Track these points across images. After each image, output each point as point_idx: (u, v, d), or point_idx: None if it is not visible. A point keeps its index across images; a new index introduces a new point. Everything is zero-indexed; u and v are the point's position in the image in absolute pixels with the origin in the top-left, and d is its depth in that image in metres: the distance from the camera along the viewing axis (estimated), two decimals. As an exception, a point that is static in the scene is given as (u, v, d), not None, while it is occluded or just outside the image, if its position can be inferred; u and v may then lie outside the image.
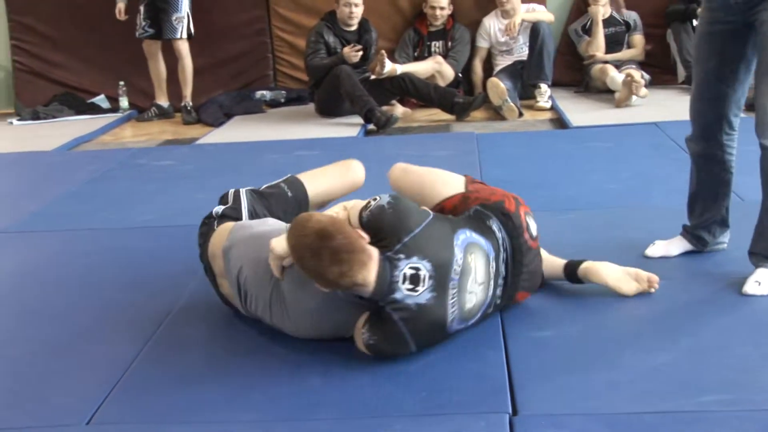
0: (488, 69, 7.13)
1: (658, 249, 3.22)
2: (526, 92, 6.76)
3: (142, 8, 6.79)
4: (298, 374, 2.47)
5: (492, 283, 2.64)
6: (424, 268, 2.45)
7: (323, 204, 3.19)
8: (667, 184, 4.19)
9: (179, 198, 4.47)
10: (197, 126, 6.83)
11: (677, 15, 6.87)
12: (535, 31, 6.65)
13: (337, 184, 3.26)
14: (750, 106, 2.99)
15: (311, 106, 6.94)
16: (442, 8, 6.98)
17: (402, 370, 2.48)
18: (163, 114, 7.12)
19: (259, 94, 7.39)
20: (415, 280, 2.44)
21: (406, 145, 5.63)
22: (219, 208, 2.96)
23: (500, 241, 2.68)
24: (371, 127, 6.19)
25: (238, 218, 2.93)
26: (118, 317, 2.98)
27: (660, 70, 7.06)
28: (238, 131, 6.45)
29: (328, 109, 6.64)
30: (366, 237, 2.44)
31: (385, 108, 6.39)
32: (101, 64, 7.46)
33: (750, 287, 2.84)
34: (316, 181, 3.21)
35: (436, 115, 6.60)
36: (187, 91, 6.93)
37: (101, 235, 3.96)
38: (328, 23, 6.65)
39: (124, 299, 3.13)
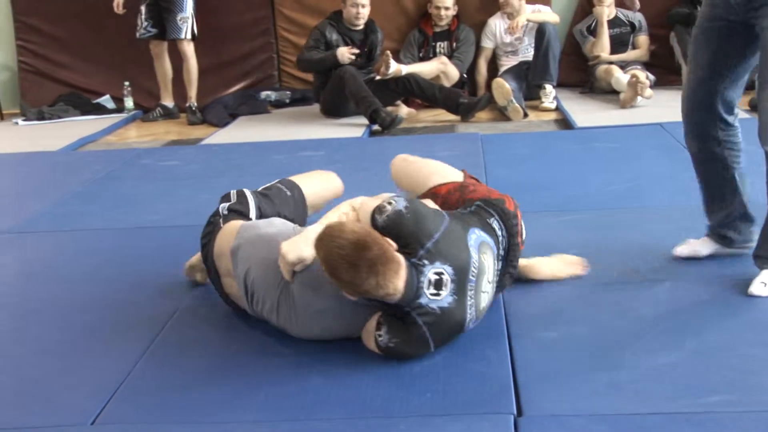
0: (493, 69, 7.13)
1: (686, 248, 3.18)
2: (531, 93, 6.75)
3: (143, 8, 6.76)
4: (302, 374, 2.47)
5: (496, 280, 2.67)
6: (446, 273, 2.47)
7: (313, 207, 3.22)
8: (672, 184, 4.18)
9: (184, 198, 4.48)
10: (202, 126, 6.83)
11: (680, 18, 6.86)
12: (540, 31, 6.64)
13: (325, 190, 3.29)
14: (755, 107, 2.99)
15: (316, 107, 6.94)
16: (447, 9, 6.98)
17: (406, 371, 2.48)
18: (168, 114, 7.12)
19: (264, 94, 7.39)
20: (438, 284, 2.46)
21: (410, 145, 5.61)
22: (225, 206, 2.95)
23: (499, 240, 2.69)
24: (376, 127, 6.19)
25: (246, 215, 2.93)
26: (122, 317, 2.98)
27: (665, 71, 7.05)
28: (243, 132, 6.45)
29: (333, 110, 6.64)
30: (394, 245, 2.44)
31: (390, 108, 6.39)
32: (106, 65, 7.47)
33: (756, 288, 2.84)
34: (308, 185, 3.22)
35: (441, 115, 6.60)
36: (192, 91, 6.94)
37: (106, 235, 3.97)
38: (332, 22, 6.66)
39: (129, 299, 3.13)
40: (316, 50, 6.56)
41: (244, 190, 3.05)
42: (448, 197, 2.92)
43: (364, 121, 6.27)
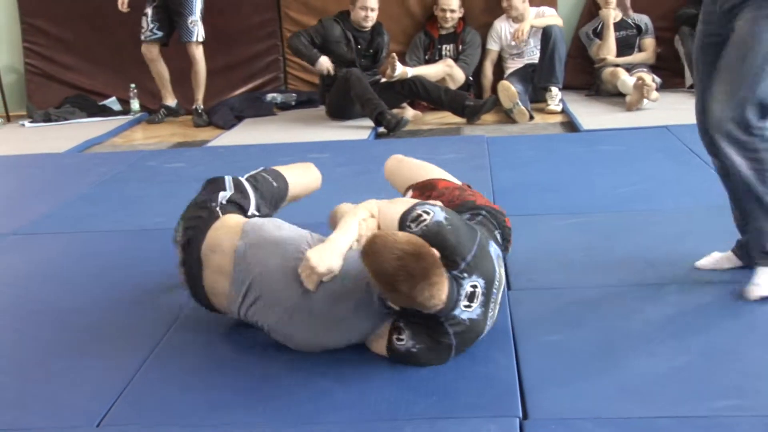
0: (499, 72, 7.13)
1: (709, 261, 3.13)
2: (536, 95, 6.74)
3: (150, 10, 6.74)
4: (309, 377, 2.47)
5: None
6: (479, 285, 2.49)
7: (293, 198, 3.21)
8: (678, 187, 4.17)
9: (189, 200, 4.46)
10: (208, 128, 6.84)
11: (688, 19, 6.85)
12: (546, 34, 6.64)
13: (307, 183, 3.27)
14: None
15: (322, 109, 6.95)
16: (452, 11, 6.98)
17: (412, 374, 2.48)
18: (172, 113, 7.12)
19: (269, 96, 7.40)
20: (471, 297, 2.49)
21: (416, 147, 5.61)
22: (224, 195, 2.84)
23: (500, 253, 2.70)
24: (382, 129, 6.19)
25: (245, 209, 2.85)
26: (127, 319, 2.99)
27: (671, 74, 7.04)
28: (249, 134, 6.46)
29: (339, 112, 6.64)
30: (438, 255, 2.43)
31: (395, 111, 6.40)
32: (113, 67, 7.48)
33: (749, 291, 2.82)
34: (290, 174, 3.18)
35: (447, 118, 6.60)
36: (200, 94, 6.94)
37: (111, 237, 3.97)
38: (338, 19, 6.69)
39: (134, 301, 3.13)
40: (308, 40, 6.62)
41: (240, 180, 2.97)
42: (445, 192, 2.93)
43: (370, 123, 6.27)
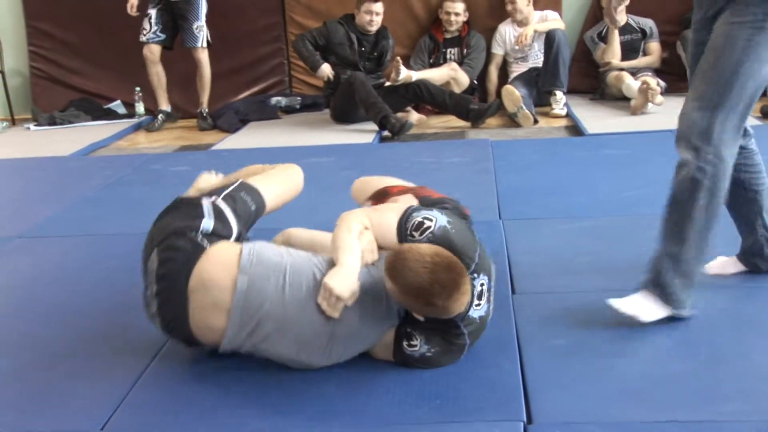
0: (503, 76, 7.13)
1: (715, 266, 3.11)
2: (541, 99, 6.75)
3: (153, 12, 6.72)
4: (313, 382, 2.47)
5: None
6: (485, 283, 2.52)
7: (270, 211, 2.93)
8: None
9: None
10: (213, 132, 6.85)
11: (690, 23, 6.83)
12: (550, 38, 6.64)
13: (286, 193, 2.98)
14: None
15: (326, 113, 6.95)
16: (457, 15, 6.99)
17: (416, 378, 2.48)
18: (169, 118, 7.07)
19: (274, 100, 7.41)
20: (480, 295, 2.50)
21: (420, 151, 5.62)
22: (206, 225, 2.55)
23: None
24: (386, 133, 6.19)
25: (227, 237, 2.58)
26: (132, 323, 2.98)
27: (676, 78, 7.02)
28: (254, 137, 6.46)
29: (343, 116, 6.65)
30: None
31: (400, 114, 6.40)
32: (118, 70, 7.50)
33: (618, 302, 2.76)
34: (270, 190, 2.86)
35: (451, 121, 6.60)
36: (205, 97, 6.94)
37: (116, 240, 3.97)
38: (342, 21, 6.71)
39: (139, 305, 3.11)
40: (311, 43, 6.66)
41: (219, 206, 2.63)
42: (398, 196, 2.91)
43: (375, 127, 6.28)
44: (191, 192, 3.05)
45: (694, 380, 2.40)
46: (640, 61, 6.98)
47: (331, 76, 6.64)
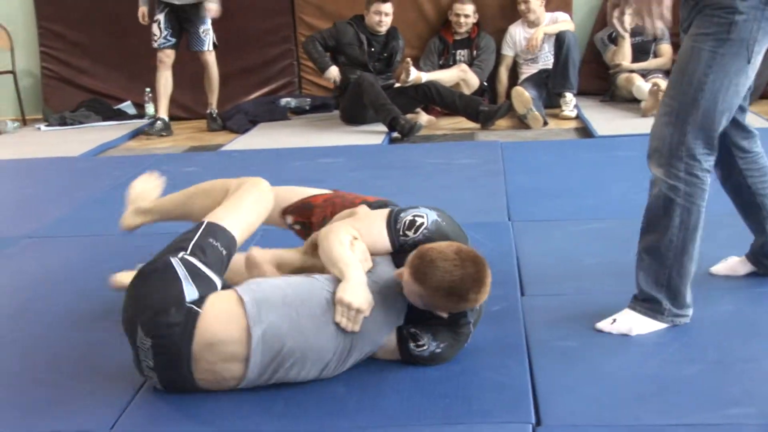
0: (513, 77, 7.12)
1: (724, 267, 3.10)
2: (551, 101, 6.74)
3: (161, 17, 6.67)
4: (322, 382, 2.46)
5: None
6: None
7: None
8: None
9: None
10: (222, 133, 6.86)
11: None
12: (560, 39, 6.63)
13: (258, 220, 2.76)
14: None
15: (336, 114, 6.96)
16: (467, 16, 6.98)
17: (424, 379, 2.48)
18: (165, 128, 6.86)
19: (284, 101, 7.41)
20: None
21: (430, 153, 5.62)
22: (191, 292, 2.38)
23: None
24: (395, 135, 6.19)
25: (214, 289, 2.44)
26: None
27: (687, 80, 7.01)
28: (263, 138, 6.47)
29: (353, 117, 6.65)
30: None
31: (409, 116, 6.40)
32: (128, 71, 7.52)
33: (602, 323, 2.74)
34: (239, 225, 2.64)
35: (461, 123, 6.59)
36: (213, 98, 6.94)
37: (126, 240, 3.96)
38: (351, 22, 6.72)
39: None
40: (321, 44, 6.68)
41: (193, 264, 2.44)
42: (327, 205, 2.87)
43: (384, 128, 6.27)
44: (129, 210, 2.99)
45: (702, 383, 2.39)
46: (650, 63, 6.96)
47: (338, 80, 6.64)
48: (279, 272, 2.66)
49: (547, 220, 3.92)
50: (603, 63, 7.18)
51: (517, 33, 7.07)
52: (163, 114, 6.87)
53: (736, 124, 2.77)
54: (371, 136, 6.23)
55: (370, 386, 2.45)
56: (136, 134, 6.97)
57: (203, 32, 6.71)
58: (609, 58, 7.06)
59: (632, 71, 6.81)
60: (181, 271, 2.41)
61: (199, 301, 2.37)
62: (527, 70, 7.00)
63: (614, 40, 7.02)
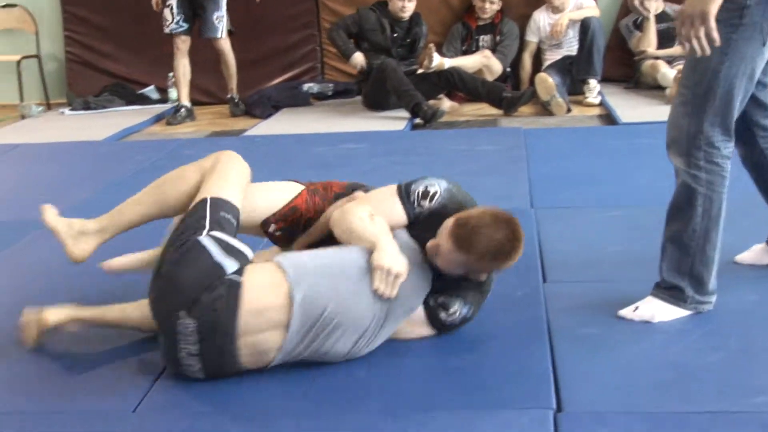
0: (537, 63, 7.08)
1: (749, 256, 3.08)
2: (575, 88, 6.70)
3: (174, 2, 6.56)
4: (345, 366, 2.47)
5: None
6: None
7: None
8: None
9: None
10: (245, 118, 6.87)
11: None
12: (585, 26, 6.59)
13: (244, 187, 2.77)
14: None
15: (358, 99, 6.95)
16: (491, 2, 6.95)
17: (445, 365, 2.48)
18: (189, 115, 6.84)
19: (306, 86, 7.40)
20: None
21: (452, 139, 5.61)
22: (229, 265, 2.41)
23: None
24: (418, 121, 6.18)
25: (247, 260, 2.48)
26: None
27: (712, 67, 6.96)
28: (286, 123, 6.48)
29: (376, 103, 6.64)
30: None
31: (432, 102, 6.38)
32: (151, 56, 7.52)
33: (624, 311, 2.73)
34: (234, 194, 2.67)
35: (484, 109, 6.57)
36: (233, 84, 6.91)
37: (148, 225, 3.98)
38: (374, 8, 6.71)
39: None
40: (345, 32, 6.68)
41: (220, 237, 2.47)
42: (311, 199, 2.83)
43: (407, 114, 6.26)
44: (69, 240, 2.81)
45: (725, 371, 2.37)
46: (676, 50, 6.89)
47: (364, 66, 6.63)
48: None
49: (570, 207, 3.91)
50: (628, 49, 7.13)
51: (541, 19, 7.03)
52: (185, 101, 6.84)
53: (757, 103, 2.74)
54: (393, 122, 6.22)
55: (391, 371, 2.46)
56: (159, 119, 7.00)
57: (217, 19, 6.58)
58: (634, 44, 7.01)
59: (657, 58, 6.76)
60: (214, 247, 2.43)
61: (238, 273, 2.41)
62: (551, 57, 6.96)
63: (639, 26, 6.97)
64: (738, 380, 2.32)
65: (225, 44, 6.72)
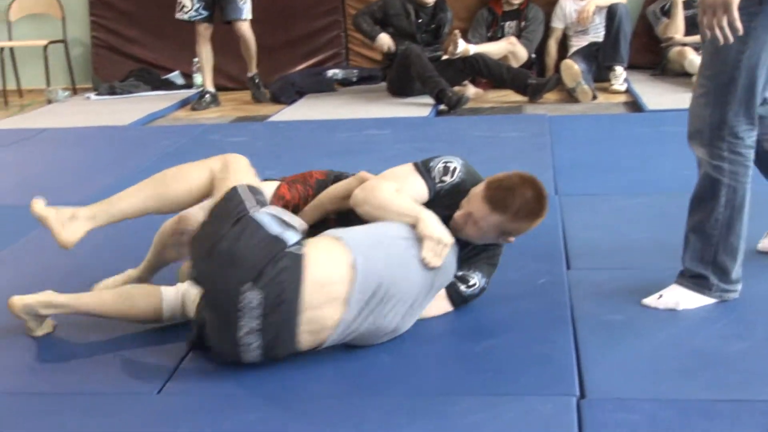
0: (563, 50, 7.05)
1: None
2: (600, 74, 6.65)
3: None
4: (369, 351, 2.48)
5: None
6: None
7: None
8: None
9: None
10: (269, 103, 6.87)
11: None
12: (612, 12, 6.54)
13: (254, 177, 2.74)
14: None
15: (383, 86, 6.94)
16: (518, -12, 6.92)
17: (468, 351, 2.48)
18: (214, 100, 6.85)
19: (331, 72, 7.40)
20: None
21: (477, 125, 5.59)
22: (289, 236, 2.41)
23: None
24: (442, 107, 6.16)
25: (300, 234, 2.48)
26: (188, 290, 3.01)
27: (740, 54, 6.89)
28: (310, 109, 6.48)
29: (400, 89, 6.63)
30: None
31: (457, 88, 6.36)
32: (177, 41, 7.52)
33: (649, 299, 2.72)
34: (254, 181, 2.68)
35: (508, 96, 6.55)
36: (253, 64, 6.84)
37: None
38: None
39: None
40: (371, 18, 6.67)
41: (271, 212, 2.49)
42: (294, 190, 2.86)
43: (431, 100, 6.25)
44: (57, 225, 2.76)
45: (750, 360, 2.36)
46: (703, 37, 6.84)
47: (391, 46, 6.60)
48: None
49: (595, 194, 3.89)
50: (654, 36, 7.08)
51: (567, 5, 6.99)
52: (210, 87, 6.83)
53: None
54: (418, 108, 6.21)
55: (416, 356, 2.46)
56: (184, 104, 7.02)
57: (242, 0, 6.52)
58: (661, 31, 6.96)
59: (685, 44, 6.70)
60: (271, 221, 2.43)
61: (299, 245, 2.41)
62: (577, 43, 6.92)
63: (667, 12, 6.91)
64: (764, 369, 2.30)
65: (246, 27, 6.64)
